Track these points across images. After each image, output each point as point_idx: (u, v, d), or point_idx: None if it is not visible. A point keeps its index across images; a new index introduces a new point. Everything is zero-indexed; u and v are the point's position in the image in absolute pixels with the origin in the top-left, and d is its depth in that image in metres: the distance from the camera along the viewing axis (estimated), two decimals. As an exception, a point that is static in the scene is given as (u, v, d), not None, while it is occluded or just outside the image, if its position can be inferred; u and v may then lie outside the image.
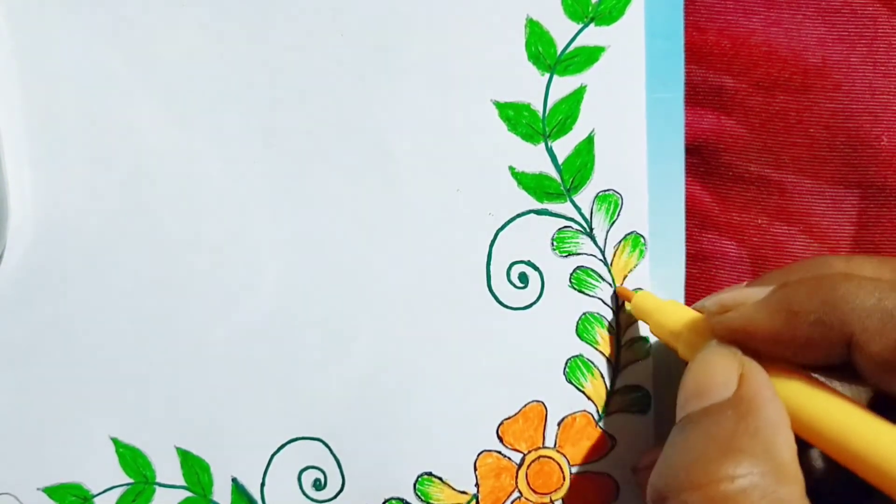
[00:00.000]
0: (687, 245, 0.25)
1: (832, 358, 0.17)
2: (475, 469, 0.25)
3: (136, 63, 0.24)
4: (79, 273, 0.24)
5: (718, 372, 0.18)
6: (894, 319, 0.16)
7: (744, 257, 0.26)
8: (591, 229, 0.24)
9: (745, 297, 0.19)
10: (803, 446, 0.17)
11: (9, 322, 0.24)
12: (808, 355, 0.18)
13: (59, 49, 0.24)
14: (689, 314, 0.21)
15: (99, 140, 0.24)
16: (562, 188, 0.24)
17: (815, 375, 0.18)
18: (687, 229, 0.25)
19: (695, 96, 0.25)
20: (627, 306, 0.24)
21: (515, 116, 0.24)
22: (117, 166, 0.24)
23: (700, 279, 0.26)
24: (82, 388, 0.25)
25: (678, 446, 0.18)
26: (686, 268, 0.25)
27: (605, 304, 0.25)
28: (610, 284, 0.25)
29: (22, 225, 0.24)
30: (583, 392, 0.25)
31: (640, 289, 0.24)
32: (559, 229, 0.24)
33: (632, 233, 0.24)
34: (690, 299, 0.25)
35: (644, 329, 0.25)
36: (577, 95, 0.24)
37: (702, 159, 0.25)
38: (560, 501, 0.25)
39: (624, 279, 0.25)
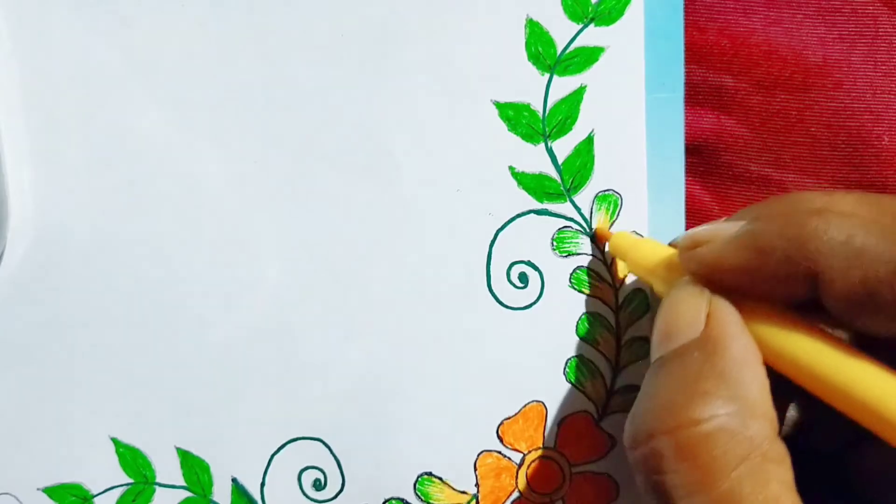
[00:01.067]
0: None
1: (802, 294, 0.17)
2: (475, 469, 0.25)
3: (136, 63, 0.24)
4: (79, 273, 0.24)
5: (686, 311, 0.18)
6: (860, 258, 0.16)
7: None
8: (591, 229, 0.24)
9: (716, 233, 0.19)
10: (778, 396, 0.17)
11: (9, 322, 0.24)
12: (777, 291, 0.18)
13: (58, 49, 0.24)
14: (665, 251, 0.21)
15: (99, 140, 0.24)
16: (562, 188, 0.24)
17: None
18: (687, 229, 0.25)
19: (695, 96, 0.25)
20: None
21: (515, 116, 0.24)
22: (117, 166, 0.24)
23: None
24: (82, 387, 0.25)
25: (648, 392, 0.18)
26: (686, 268, 0.25)
27: (604, 303, 0.25)
28: (610, 284, 0.25)
29: (22, 225, 0.24)
30: (583, 392, 0.25)
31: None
32: (559, 229, 0.24)
33: (632, 232, 0.24)
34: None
35: (645, 327, 0.25)
36: (576, 96, 0.24)
37: (702, 159, 0.25)
38: (560, 501, 0.25)
39: (624, 279, 0.25)
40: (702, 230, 0.19)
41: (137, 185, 0.24)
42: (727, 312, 0.18)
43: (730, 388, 0.16)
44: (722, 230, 0.18)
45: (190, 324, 0.25)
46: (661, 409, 0.17)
